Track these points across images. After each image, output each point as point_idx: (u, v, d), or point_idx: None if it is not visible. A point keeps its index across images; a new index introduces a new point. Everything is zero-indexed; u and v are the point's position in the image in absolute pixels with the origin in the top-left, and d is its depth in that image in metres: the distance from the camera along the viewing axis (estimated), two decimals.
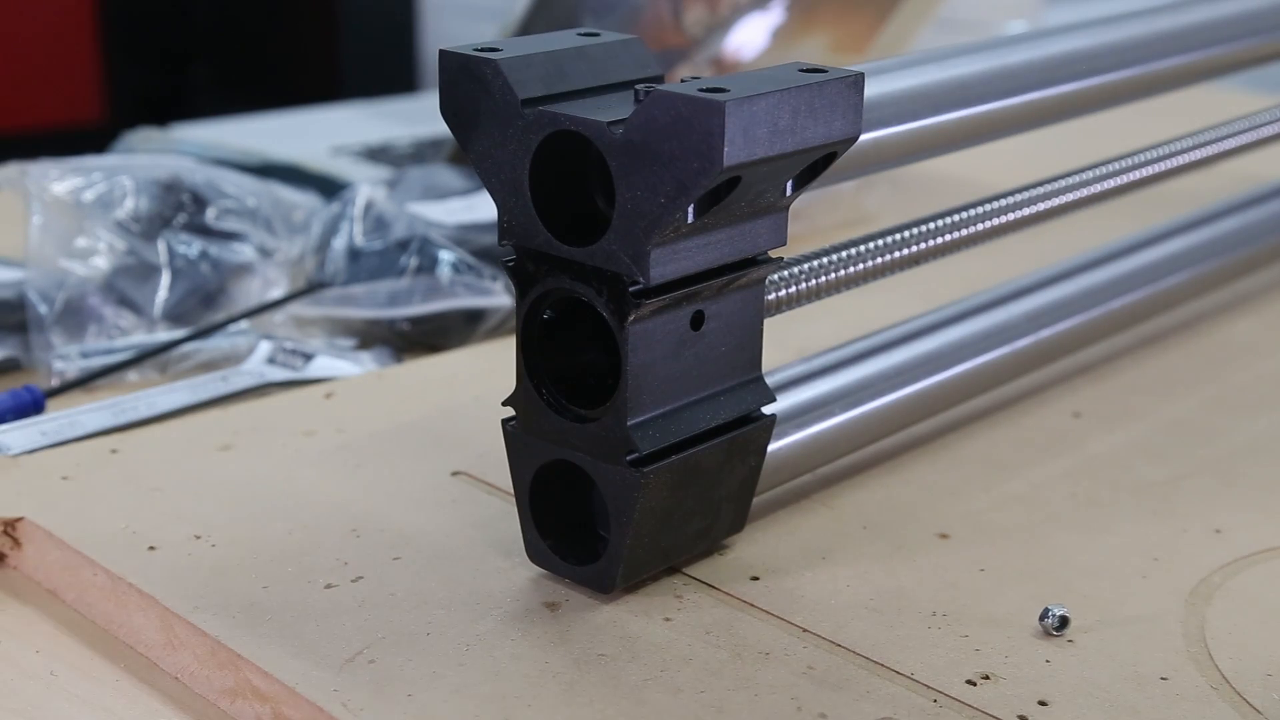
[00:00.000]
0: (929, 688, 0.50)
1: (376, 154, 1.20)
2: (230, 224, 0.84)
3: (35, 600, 0.57)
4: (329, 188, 1.03)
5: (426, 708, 0.48)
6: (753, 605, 0.55)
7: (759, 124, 0.50)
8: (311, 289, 0.83)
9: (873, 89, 0.56)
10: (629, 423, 0.52)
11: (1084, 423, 0.72)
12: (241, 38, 2.84)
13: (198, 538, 0.58)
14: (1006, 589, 0.57)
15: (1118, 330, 0.78)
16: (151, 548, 0.57)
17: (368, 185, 0.88)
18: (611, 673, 0.50)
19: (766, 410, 0.57)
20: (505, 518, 0.59)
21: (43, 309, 0.76)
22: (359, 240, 0.83)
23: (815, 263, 0.62)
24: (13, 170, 0.82)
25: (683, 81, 0.51)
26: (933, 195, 0.81)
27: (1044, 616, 0.54)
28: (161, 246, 0.81)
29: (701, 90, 0.50)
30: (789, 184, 0.55)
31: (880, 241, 0.64)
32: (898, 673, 0.51)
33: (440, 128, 0.91)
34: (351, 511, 0.60)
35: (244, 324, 0.79)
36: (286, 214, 0.89)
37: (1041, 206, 0.72)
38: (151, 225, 0.81)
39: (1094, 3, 0.89)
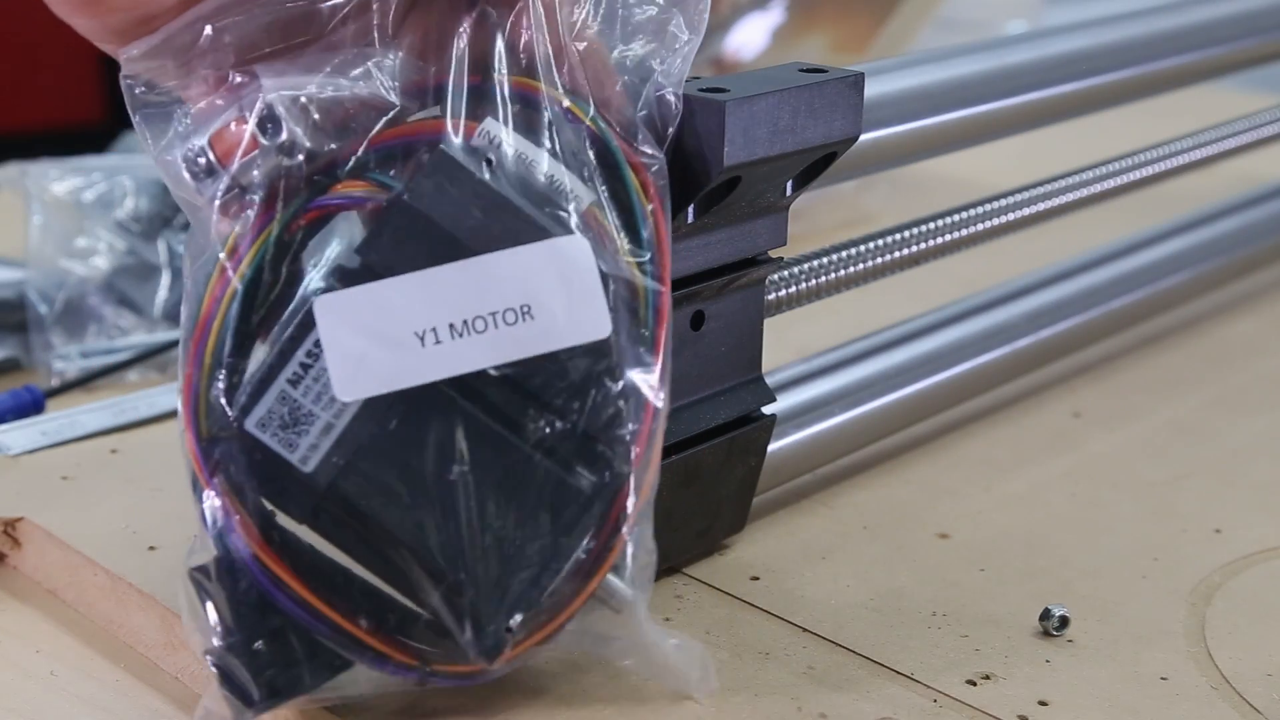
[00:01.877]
0: (929, 688, 0.50)
1: None
2: None
3: (35, 600, 0.57)
4: None
5: (425, 707, 0.48)
6: (753, 605, 0.55)
7: (759, 124, 0.50)
8: None
9: (873, 89, 0.56)
10: None
11: (1084, 423, 0.72)
12: None
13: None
14: (1006, 589, 0.57)
15: (1118, 330, 0.78)
16: (151, 548, 0.57)
17: None
18: (612, 673, 0.50)
19: (766, 410, 0.57)
20: None
21: (43, 309, 0.76)
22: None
23: (815, 263, 0.62)
24: (13, 170, 0.82)
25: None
26: (933, 195, 0.81)
27: (1044, 616, 0.54)
28: (161, 246, 0.81)
29: (701, 90, 0.50)
30: (789, 184, 0.55)
31: (880, 241, 0.64)
32: (898, 673, 0.51)
33: None
34: None
35: None
36: None
37: (1041, 206, 0.72)
38: (151, 225, 0.81)
39: (1094, 3, 0.89)
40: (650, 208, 0.47)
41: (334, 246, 0.45)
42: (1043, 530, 0.61)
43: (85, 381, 0.73)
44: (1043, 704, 0.50)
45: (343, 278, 0.44)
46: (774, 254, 0.57)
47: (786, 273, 0.60)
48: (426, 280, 0.44)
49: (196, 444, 0.44)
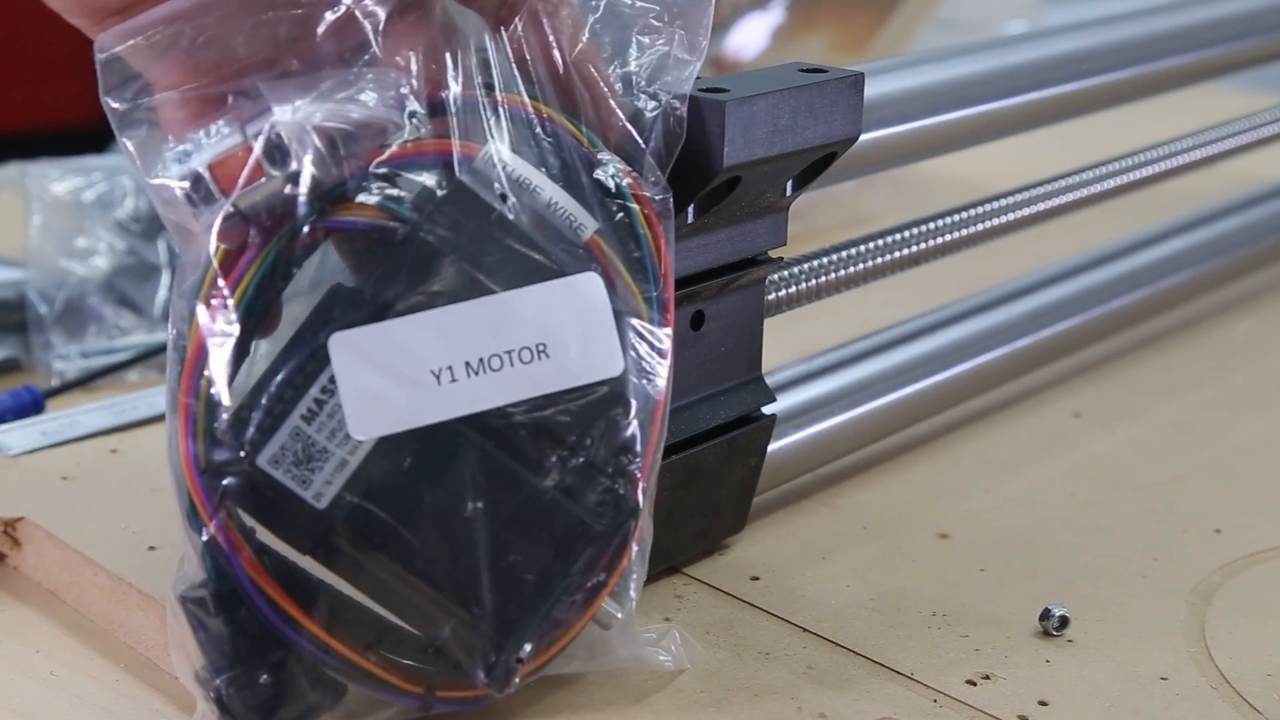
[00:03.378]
0: (929, 688, 0.50)
1: None
2: None
3: (35, 600, 0.57)
4: None
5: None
6: (753, 605, 0.55)
7: (759, 124, 0.50)
8: None
9: (873, 89, 0.56)
10: None
11: (1084, 423, 0.72)
12: None
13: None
14: (1006, 589, 0.57)
15: (1118, 330, 0.78)
16: (151, 548, 0.57)
17: None
18: (612, 673, 0.50)
19: (766, 410, 0.57)
20: None
21: (43, 309, 0.76)
22: None
23: (815, 263, 0.62)
24: (13, 170, 0.82)
25: None
26: (933, 195, 0.81)
27: (1044, 616, 0.54)
28: (161, 246, 0.81)
29: (702, 90, 0.50)
30: (789, 184, 0.55)
31: (880, 241, 0.64)
32: (898, 673, 0.51)
33: None
34: None
35: None
36: None
37: (1041, 206, 0.72)
38: (151, 225, 0.81)
39: (1094, 3, 0.89)
40: (655, 241, 0.46)
41: (342, 276, 0.45)
42: (1043, 530, 0.61)
43: (85, 381, 0.73)
44: (1043, 704, 0.50)
45: (357, 312, 0.44)
46: (774, 254, 0.57)
47: (786, 273, 0.60)
48: (443, 318, 0.44)
49: (197, 476, 0.43)
